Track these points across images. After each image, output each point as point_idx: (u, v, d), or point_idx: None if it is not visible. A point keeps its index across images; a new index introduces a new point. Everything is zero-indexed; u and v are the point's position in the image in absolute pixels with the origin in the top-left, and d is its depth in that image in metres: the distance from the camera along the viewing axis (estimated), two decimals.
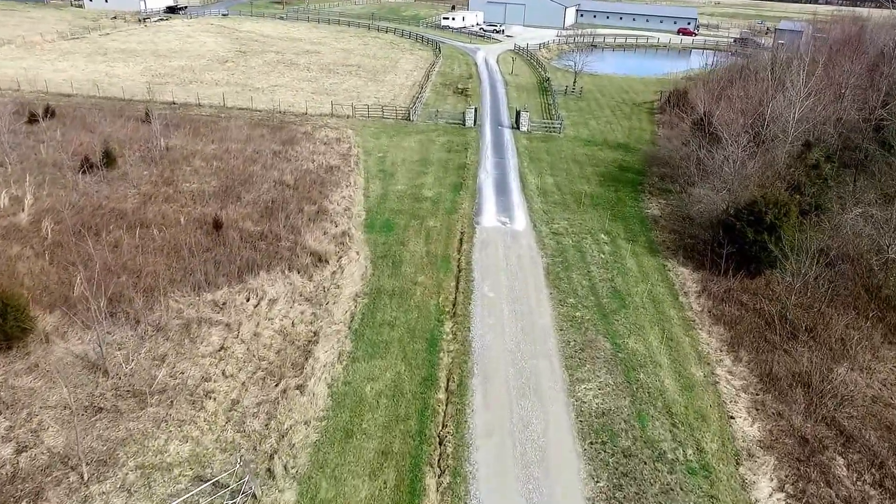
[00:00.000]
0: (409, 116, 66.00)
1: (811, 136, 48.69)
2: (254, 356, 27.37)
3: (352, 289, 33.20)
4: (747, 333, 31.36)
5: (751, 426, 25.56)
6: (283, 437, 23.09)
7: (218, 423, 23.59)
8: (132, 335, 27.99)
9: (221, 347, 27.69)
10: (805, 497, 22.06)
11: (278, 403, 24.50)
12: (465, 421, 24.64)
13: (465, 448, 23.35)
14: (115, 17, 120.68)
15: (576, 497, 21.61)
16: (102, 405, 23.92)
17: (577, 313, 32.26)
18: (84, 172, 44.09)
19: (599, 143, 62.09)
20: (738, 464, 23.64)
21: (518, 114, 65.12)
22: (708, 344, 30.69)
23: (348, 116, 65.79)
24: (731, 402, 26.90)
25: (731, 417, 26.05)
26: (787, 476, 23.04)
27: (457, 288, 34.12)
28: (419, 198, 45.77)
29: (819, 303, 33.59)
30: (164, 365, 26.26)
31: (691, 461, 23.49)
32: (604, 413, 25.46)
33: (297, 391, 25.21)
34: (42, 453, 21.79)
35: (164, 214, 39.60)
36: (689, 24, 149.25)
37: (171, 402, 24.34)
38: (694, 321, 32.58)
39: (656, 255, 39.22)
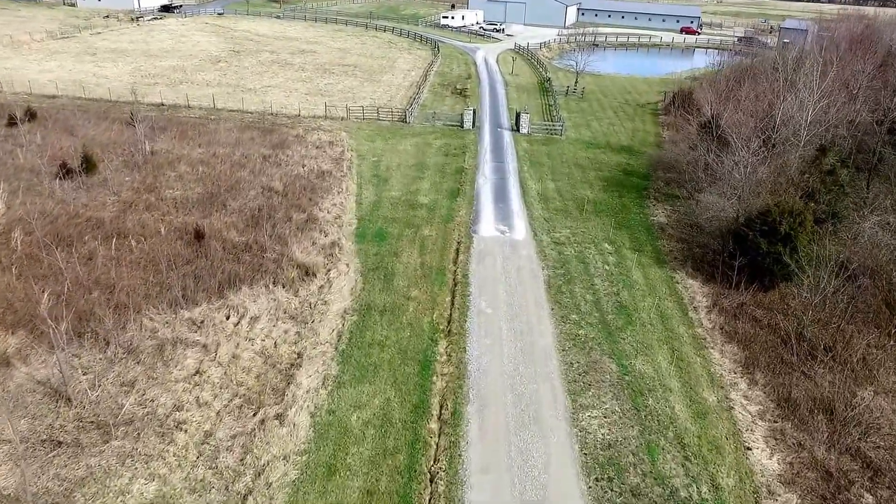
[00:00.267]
0: (405, 118, 63.91)
1: (824, 140, 46.61)
2: (231, 381, 25.31)
3: (340, 305, 31.15)
4: (762, 353, 29.31)
5: (770, 458, 23.52)
6: (259, 474, 21.04)
7: (188, 459, 21.55)
8: (100, 358, 25.93)
9: (197, 371, 25.63)
10: None
11: (255, 436, 22.45)
12: (459, 455, 22.59)
13: (458, 487, 21.30)
14: (107, 16, 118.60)
15: None
16: (62, 438, 21.87)
17: (581, 331, 30.19)
18: (62, 179, 42.04)
19: (602, 145, 60.00)
20: (757, 503, 21.59)
21: (518, 115, 63.02)
22: (720, 365, 28.62)
23: (343, 118, 63.71)
24: (747, 430, 24.86)
25: (748, 448, 24.01)
26: None
27: (452, 303, 32.06)
28: (414, 205, 43.70)
29: (838, 319, 31.54)
30: (134, 391, 24.22)
31: (706, 500, 21.44)
32: (610, 445, 23.39)
33: (277, 421, 23.16)
34: None
35: (143, 224, 37.54)
36: (692, 22, 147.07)
37: (139, 434, 22.29)
38: (705, 339, 30.52)
39: (663, 266, 37.15)
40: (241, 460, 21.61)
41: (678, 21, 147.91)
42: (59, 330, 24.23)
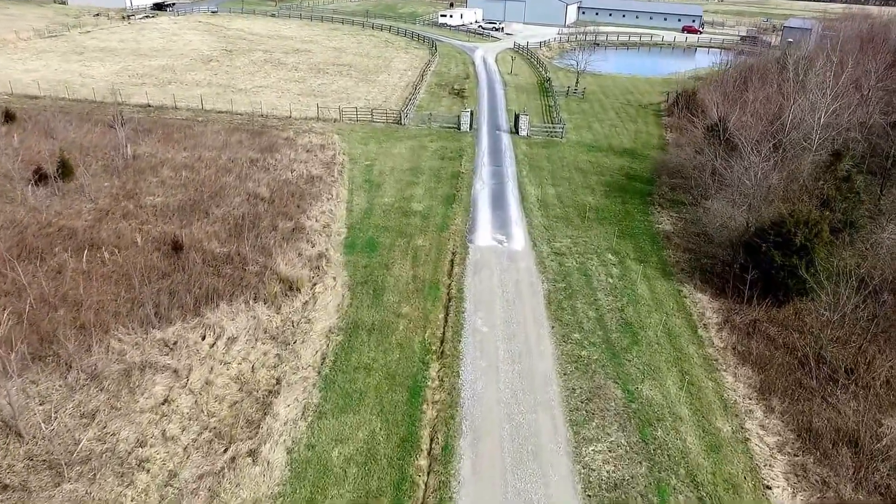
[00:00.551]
0: (400, 120, 61.74)
1: (836, 143, 44.50)
2: (202, 411, 23.17)
3: (325, 323, 29.01)
4: (779, 376, 27.19)
5: (792, 499, 21.43)
6: None
7: None
8: (60, 385, 23.78)
9: (165, 400, 23.50)
10: None
11: (224, 476, 20.31)
12: (450, 497, 20.46)
13: None
14: (97, 15, 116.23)
15: None
16: (9, 481, 19.73)
17: (583, 352, 28.06)
18: (35, 185, 39.87)
19: (604, 148, 57.84)
20: None
21: (517, 117, 60.84)
22: (734, 390, 26.50)
23: (335, 120, 61.52)
24: (765, 465, 22.77)
25: (768, 487, 21.91)
26: None
27: (446, 321, 29.92)
28: (407, 212, 41.54)
29: (858, 338, 29.46)
30: (94, 424, 22.08)
31: None
32: (616, 485, 21.27)
33: (249, 458, 21.03)
34: None
35: (119, 233, 35.39)
36: (693, 21, 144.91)
37: (95, 474, 20.15)
38: (717, 360, 28.40)
39: (670, 279, 35.02)
40: None
41: (680, 20, 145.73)
42: (9, 358, 22.05)
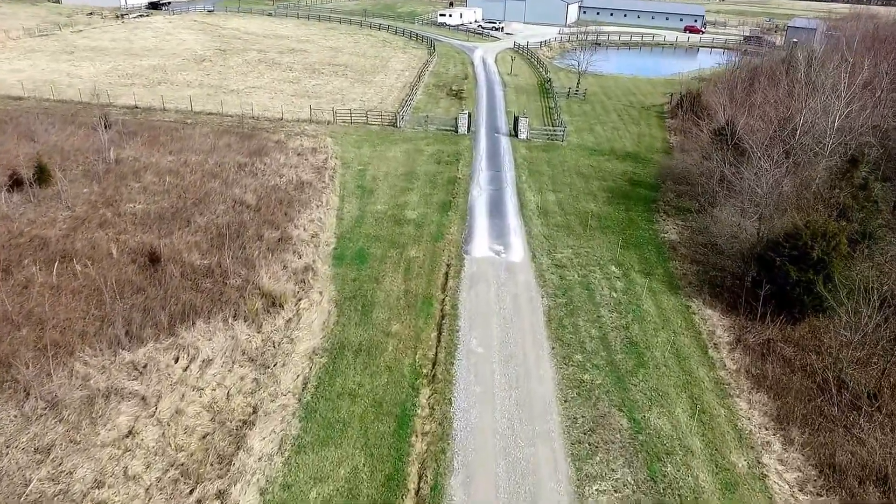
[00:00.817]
0: (395, 122, 59.72)
1: (850, 148, 42.44)
2: (169, 445, 21.20)
3: (309, 343, 27.03)
4: (797, 403, 25.20)
5: None
6: None
7: None
8: (15, 415, 21.82)
9: (129, 432, 21.54)
10: None
11: None
12: None
13: None
14: (91, 14, 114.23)
15: None
16: None
17: (586, 376, 26.07)
18: (10, 191, 37.92)
19: (606, 152, 55.82)
20: None
21: (516, 119, 58.82)
22: (749, 419, 24.52)
23: (329, 122, 59.51)
24: None
25: None
26: None
27: (438, 340, 27.93)
28: (401, 220, 39.56)
29: (880, 360, 27.47)
30: (48, 461, 20.11)
31: None
32: None
33: (218, 501, 19.06)
34: None
35: (94, 244, 33.42)
36: (696, 21, 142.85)
37: None
38: (729, 385, 26.40)
39: (677, 293, 33.04)
40: None
41: (682, 20, 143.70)
42: None
